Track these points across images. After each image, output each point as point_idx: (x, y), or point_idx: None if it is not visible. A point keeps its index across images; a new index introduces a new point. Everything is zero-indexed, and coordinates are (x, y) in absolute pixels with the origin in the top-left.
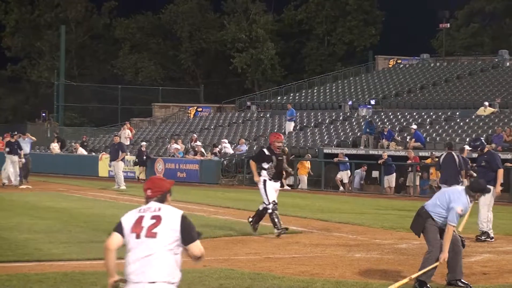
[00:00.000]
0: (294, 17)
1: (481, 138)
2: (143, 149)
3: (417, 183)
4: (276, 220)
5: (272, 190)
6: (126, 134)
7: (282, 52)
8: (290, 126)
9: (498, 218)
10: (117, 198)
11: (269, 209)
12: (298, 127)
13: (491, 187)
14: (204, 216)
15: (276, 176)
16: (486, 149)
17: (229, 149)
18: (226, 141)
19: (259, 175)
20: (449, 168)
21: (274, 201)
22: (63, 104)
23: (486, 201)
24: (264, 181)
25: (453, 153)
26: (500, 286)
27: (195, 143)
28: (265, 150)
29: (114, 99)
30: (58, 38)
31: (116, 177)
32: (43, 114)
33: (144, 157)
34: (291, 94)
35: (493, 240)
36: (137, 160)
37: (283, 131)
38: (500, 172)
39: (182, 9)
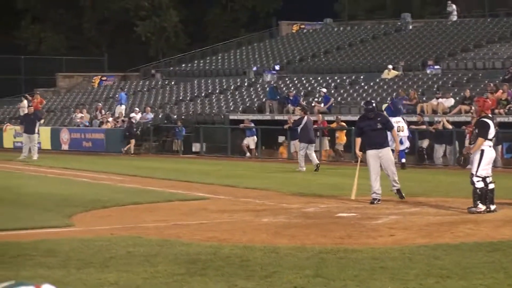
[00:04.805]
0: None
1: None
2: (134, 120)
3: (327, 147)
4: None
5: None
6: (25, 105)
7: (185, 20)
8: (121, 109)
9: (405, 180)
10: (23, 168)
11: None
12: (202, 95)
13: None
14: (110, 184)
15: None
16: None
17: (138, 118)
18: (138, 109)
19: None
20: (312, 129)
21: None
22: None
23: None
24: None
25: (310, 117)
26: (407, 247)
27: (103, 114)
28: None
29: (17, 70)
30: None
31: (31, 148)
32: None
33: (134, 129)
34: (196, 61)
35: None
36: (127, 133)
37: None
38: (395, 131)
39: None
